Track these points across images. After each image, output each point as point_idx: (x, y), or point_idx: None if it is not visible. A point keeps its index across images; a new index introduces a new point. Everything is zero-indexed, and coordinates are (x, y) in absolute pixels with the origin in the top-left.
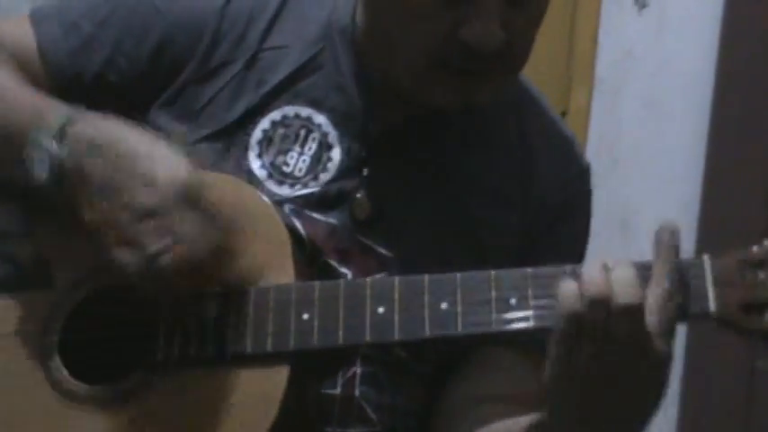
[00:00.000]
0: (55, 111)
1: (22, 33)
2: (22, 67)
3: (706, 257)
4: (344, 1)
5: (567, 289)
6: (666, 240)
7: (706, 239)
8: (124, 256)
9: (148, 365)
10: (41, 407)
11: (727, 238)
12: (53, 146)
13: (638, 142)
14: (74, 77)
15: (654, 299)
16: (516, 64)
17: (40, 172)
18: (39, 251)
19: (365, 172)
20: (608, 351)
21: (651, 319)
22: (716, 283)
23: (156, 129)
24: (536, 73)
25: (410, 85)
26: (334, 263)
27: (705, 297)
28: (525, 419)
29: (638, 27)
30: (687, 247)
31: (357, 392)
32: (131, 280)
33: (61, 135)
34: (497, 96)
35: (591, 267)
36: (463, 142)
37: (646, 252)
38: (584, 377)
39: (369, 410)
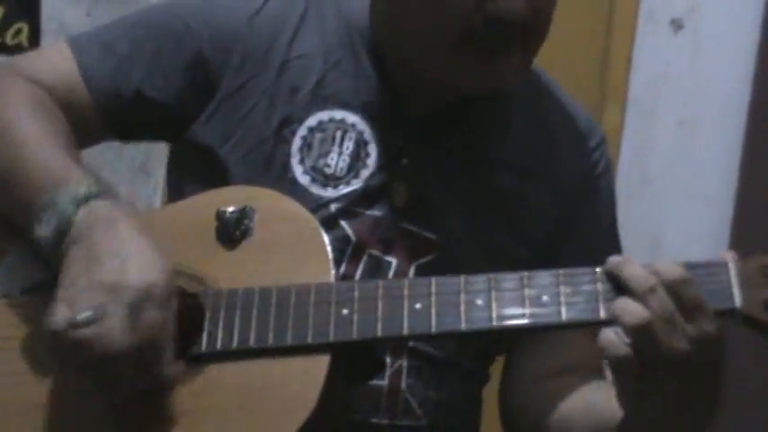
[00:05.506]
0: (85, 179)
1: (64, 63)
2: (67, 96)
3: (729, 259)
4: (360, 2)
5: (631, 307)
6: None
7: None
8: (58, 309)
9: (192, 358)
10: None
11: None
12: (70, 209)
13: (671, 162)
14: (114, 96)
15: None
16: (539, 36)
17: (46, 230)
18: None
19: (402, 162)
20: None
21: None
22: (740, 283)
23: (199, 146)
24: (569, 91)
25: (437, 72)
26: (378, 253)
27: (731, 296)
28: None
29: (673, 47)
30: None
31: (404, 385)
32: (49, 331)
33: (84, 202)
34: (520, 78)
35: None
36: (488, 126)
37: None
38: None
39: (414, 404)
